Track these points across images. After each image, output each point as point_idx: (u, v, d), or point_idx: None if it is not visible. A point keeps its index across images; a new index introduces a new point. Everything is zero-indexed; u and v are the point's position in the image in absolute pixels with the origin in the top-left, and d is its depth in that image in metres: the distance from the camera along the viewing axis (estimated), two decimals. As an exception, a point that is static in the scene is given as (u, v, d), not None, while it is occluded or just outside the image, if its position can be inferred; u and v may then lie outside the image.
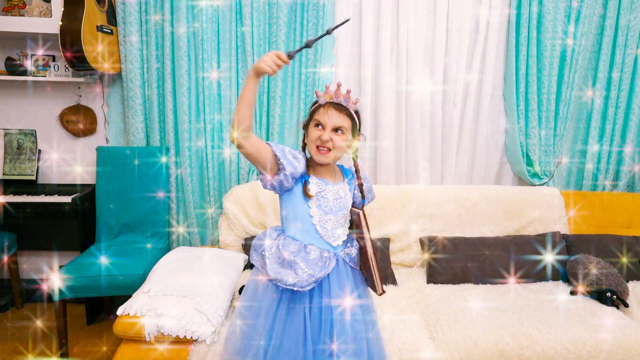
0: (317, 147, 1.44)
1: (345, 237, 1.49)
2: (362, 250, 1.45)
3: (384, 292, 1.41)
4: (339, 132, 1.43)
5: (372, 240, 1.42)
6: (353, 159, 1.55)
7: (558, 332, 1.84)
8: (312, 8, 2.52)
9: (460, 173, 2.82)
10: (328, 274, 1.41)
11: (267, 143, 1.39)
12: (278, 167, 1.39)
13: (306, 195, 1.43)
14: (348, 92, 1.46)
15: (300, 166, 1.41)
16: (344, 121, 1.44)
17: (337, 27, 1.34)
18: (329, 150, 1.43)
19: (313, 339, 1.37)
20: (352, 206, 1.52)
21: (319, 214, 1.44)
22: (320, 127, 1.44)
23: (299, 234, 1.44)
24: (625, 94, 2.71)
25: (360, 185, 1.54)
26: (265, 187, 1.43)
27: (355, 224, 1.47)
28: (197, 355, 1.73)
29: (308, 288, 1.37)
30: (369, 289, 1.52)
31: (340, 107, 1.44)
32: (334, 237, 1.45)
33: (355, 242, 1.51)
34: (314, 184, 1.45)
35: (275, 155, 1.37)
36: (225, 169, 2.69)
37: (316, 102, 1.48)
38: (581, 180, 2.85)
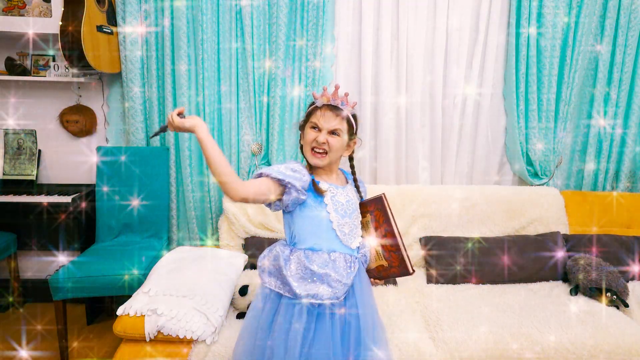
0: (312, 149, 1.43)
1: (360, 239, 1.48)
2: (386, 235, 1.45)
3: (414, 271, 1.45)
4: (335, 134, 1.42)
5: (396, 223, 1.45)
6: (350, 161, 1.57)
7: (558, 332, 1.84)
8: (312, 8, 2.52)
9: (460, 173, 2.82)
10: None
11: (260, 173, 1.35)
12: (283, 189, 1.36)
13: (318, 192, 1.40)
14: (346, 94, 1.46)
15: (304, 176, 1.38)
16: (340, 124, 1.43)
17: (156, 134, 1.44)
18: (325, 153, 1.42)
19: (342, 347, 1.34)
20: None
21: (337, 218, 1.41)
22: (316, 129, 1.43)
23: (319, 243, 1.40)
24: (625, 94, 2.71)
25: (356, 182, 1.55)
26: (275, 210, 1.41)
27: (375, 208, 1.47)
28: (197, 355, 1.73)
29: (343, 297, 1.36)
30: (374, 284, 1.53)
31: (337, 110, 1.43)
32: (352, 240, 1.44)
33: (365, 243, 1.50)
34: (325, 186, 1.44)
35: (279, 180, 1.33)
36: (225, 169, 2.69)
37: (313, 103, 1.47)
38: (581, 180, 2.85)
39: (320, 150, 1.42)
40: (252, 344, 1.38)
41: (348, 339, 1.35)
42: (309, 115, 1.47)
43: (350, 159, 1.59)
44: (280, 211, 1.45)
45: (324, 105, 1.44)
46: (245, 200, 1.31)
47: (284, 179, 1.32)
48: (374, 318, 1.43)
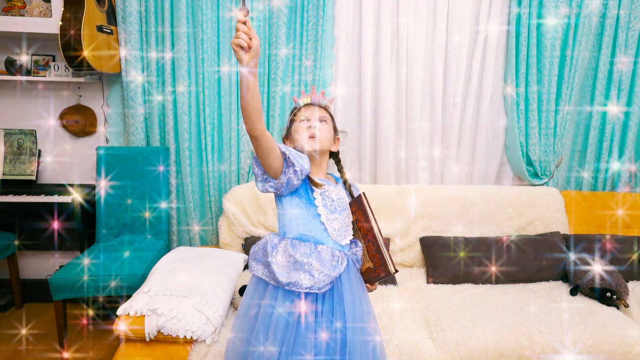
0: (308, 137, 1.47)
1: (351, 237, 1.48)
2: (368, 234, 1.43)
3: (396, 270, 1.41)
4: (323, 122, 1.50)
5: (377, 222, 1.42)
6: (337, 163, 1.59)
7: (558, 332, 1.84)
8: (312, 8, 2.52)
9: (460, 173, 2.82)
10: (340, 275, 1.39)
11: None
12: (282, 167, 1.36)
13: (315, 184, 1.43)
14: (322, 92, 1.57)
15: (306, 163, 1.39)
16: (325, 114, 1.53)
17: None
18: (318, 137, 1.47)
19: (323, 345, 1.32)
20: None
21: (326, 212, 1.43)
22: (305, 121, 1.49)
23: (307, 234, 1.41)
24: (625, 94, 2.71)
25: (346, 182, 1.56)
26: (265, 189, 1.38)
27: (357, 208, 1.46)
28: (197, 355, 1.73)
29: (325, 289, 1.35)
30: (369, 293, 1.50)
31: (318, 105, 1.54)
32: (342, 237, 1.44)
33: (358, 243, 1.49)
34: (318, 180, 1.46)
35: (283, 153, 1.34)
36: (225, 169, 2.69)
37: (295, 108, 1.55)
38: (581, 180, 2.85)
39: (314, 136, 1.47)
40: (242, 330, 1.39)
41: (330, 339, 1.33)
42: (292, 120, 1.53)
43: (337, 161, 1.60)
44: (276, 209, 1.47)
45: (305, 104, 1.53)
46: (258, 135, 1.24)
47: (289, 156, 1.33)
48: (365, 320, 1.39)
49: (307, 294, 1.35)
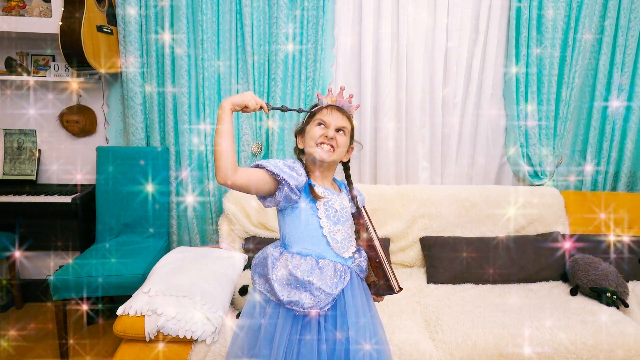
0: (319, 143, 1.39)
1: (354, 248, 1.44)
2: (370, 250, 1.39)
3: (401, 288, 1.37)
4: (341, 132, 1.42)
5: (378, 237, 1.38)
6: (346, 170, 1.54)
7: (558, 332, 1.84)
8: (312, 8, 2.52)
9: (460, 173, 2.82)
10: (342, 290, 1.35)
11: (257, 164, 1.33)
12: (277, 184, 1.33)
13: (315, 197, 1.37)
14: (350, 96, 1.47)
15: (301, 176, 1.35)
16: (346, 123, 1.43)
17: (301, 110, 1.50)
18: (333, 148, 1.40)
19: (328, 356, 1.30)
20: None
21: (329, 224, 1.38)
22: (322, 126, 1.41)
23: (309, 248, 1.36)
24: (625, 94, 2.72)
25: (352, 191, 1.51)
26: (266, 205, 1.37)
27: (359, 225, 1.42)
28: (197, 355, 1.73)
29: (327, 308, 1.32)
30: (374, 301, 1.47)
31: (342, 110, 1.44)
32: (345, 249, 1.40)
33: (362, 253, 1.44)
34: (320, 190, 1.40)
35: (273, 173, 1.30)
36: (225, 169, 2.69)
37: (316, 105, 1.46)
38: (581, 180, 2.85)
39: (328, 145, 1.40)
40: (242, 346, 1.36)
41: (332, 350, 1.31)
42: (312, 115, 1.45)
43: (347, 168, 1.55)
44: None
45: (329, 105, 1.43)
46: (234, 182, 1.26)
47: (279, 174, 1.30)
48: (369, 332, 1.35)
49: (307, 314, 1.32)
